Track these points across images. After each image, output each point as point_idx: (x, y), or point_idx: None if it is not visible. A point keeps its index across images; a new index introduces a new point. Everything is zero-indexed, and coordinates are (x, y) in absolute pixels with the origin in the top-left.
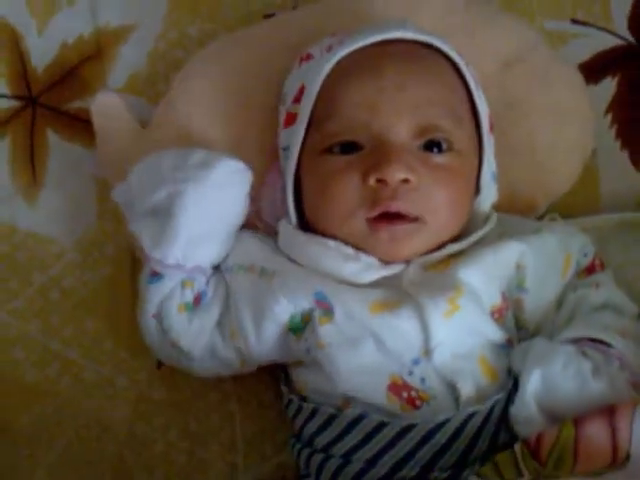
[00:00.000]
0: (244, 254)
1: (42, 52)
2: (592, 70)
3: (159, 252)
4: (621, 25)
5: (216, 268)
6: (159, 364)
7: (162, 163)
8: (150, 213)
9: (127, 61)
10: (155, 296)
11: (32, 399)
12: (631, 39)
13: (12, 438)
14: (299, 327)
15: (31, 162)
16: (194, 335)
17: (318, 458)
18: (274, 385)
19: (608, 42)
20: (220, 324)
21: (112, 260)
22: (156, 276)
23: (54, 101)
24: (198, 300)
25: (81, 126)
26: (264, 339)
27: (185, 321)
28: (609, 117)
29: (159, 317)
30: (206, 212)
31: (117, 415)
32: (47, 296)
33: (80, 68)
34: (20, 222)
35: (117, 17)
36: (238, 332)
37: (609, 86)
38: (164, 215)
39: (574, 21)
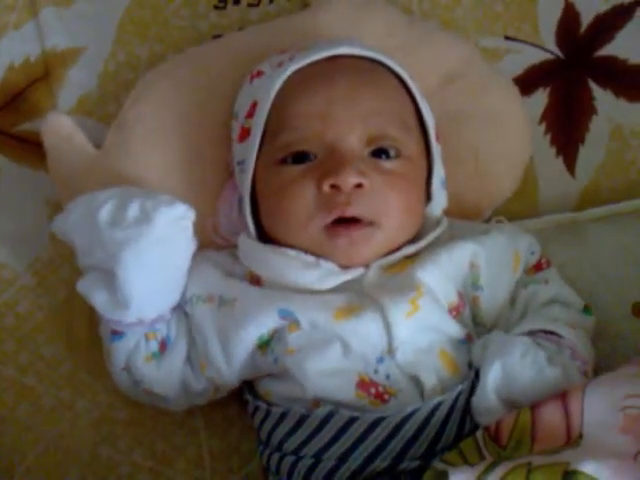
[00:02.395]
0: (200, 284)
1: None
2: (525, 83)
3: (116, 315)
4: (549, 40)
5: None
6: None
7: (99, 216)
8: (94, 268)
9: (76, 83)
10: (121, 353)
11: None
12: (559, 53)
13: None
14: (264, 341)
15: None
16: (165, 378)
17: (289, 461)
18: (238, 398)
19: (539, 57)
20: (189, 359)
21: (67, 282)
22: (117, 334)
23: (2, 124)
24: (164, 346)
25: (30, 148)
26: (235, 365)
27: (154, 369)
28: (543, 126)
29: (128, 370)
30: (152, 269)
31: (79, 439)
32: (1, 322)
33: (28, 91)
34: None
35: (65, 40)
36: (208, 363)
37: (541, 97)
38: (109, 275)
39: (507, 38)
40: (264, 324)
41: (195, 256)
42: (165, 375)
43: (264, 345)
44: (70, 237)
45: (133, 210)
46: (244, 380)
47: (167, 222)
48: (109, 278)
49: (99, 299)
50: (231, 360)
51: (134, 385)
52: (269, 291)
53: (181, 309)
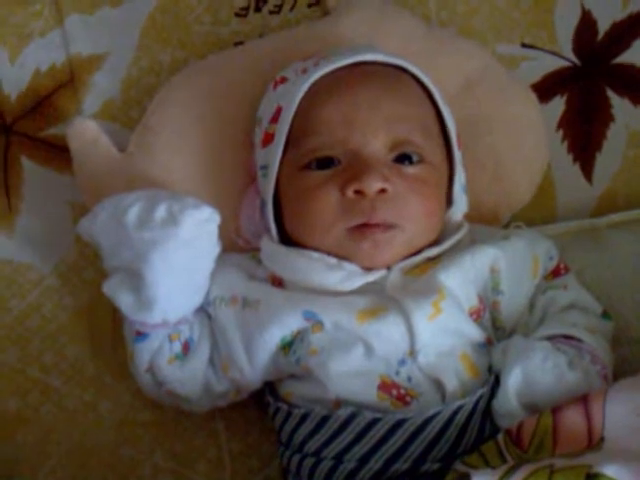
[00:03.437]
0: (224, 285)
1: (15, 80)
2: (542, 90)
3: (141, 316)
4: (566, 48)
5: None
6: None
7: (127, 218)
8: (119, 269)
9: (101, 88)
10: (144, 354)
11: (13, 428)
12: (576, 60)
13: None
14: (288, 343)
15: (5, 189)
16: (188, 380)
17: (309, 462)
18: (258, 400)
19: (555, 64)
20: (211, 361)
21: (91, 284)
22: (141, 335)
23: (28, 129)
24: (187, 348)
25: (56, 153)
26: (257, 365)
27: (177, 371)
28: (560, 133)
29: (152, 371)
30: (178, 270)
31: (101, 440)
32: (26, 323)
33: (54, 96)
34: None
35: (89, 47)
36: (230, 365)
37: (558, 104)
38: (135, 276)
39: (524, 45)
40: (288, 326)
41: (218, 259)
42: (188, 376)
43: (287, 346)
44: (97, 239)
45: (160, 212)
46: (266, 381)
47: (193, 224)
48: (134, 279)
49: (124, 300)
50: (254, 361)
51: (157, 386)
52: (292, 293)
53: (203, 311)
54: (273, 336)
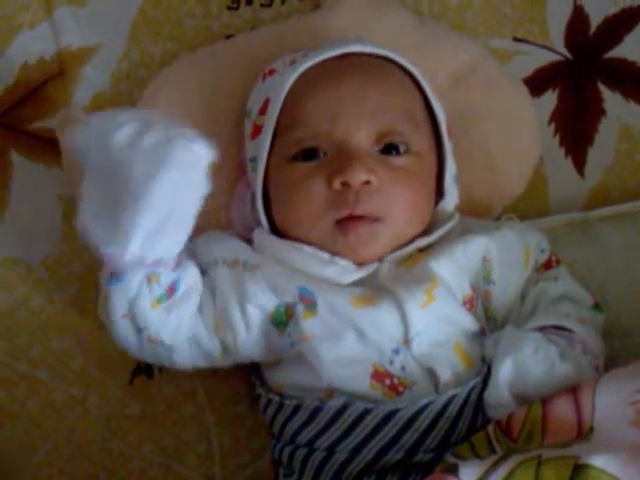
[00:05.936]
0: (228, 250)
1: (3, 73)
2: (534, 84)
3: (115, 248)
4: (558, 42)
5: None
6: (131, 379)
7: (118, 137)
8: (97, 196)
9: (91, 81)
10: (121, 297)
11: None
12: (568, 55)
13: None
14: (282, 320)
15: None
16: (174, 327)
17: (301, 454)
18: (248, 395)
19: (547, 58)
20: (201, 313)
21: (79, 278)
22: (116, 276)
23: (17, 122)
24: (172, 291)
25: (44, 146)
26: (250, 327)
27: (163, 314)
28: (552, 127)
29: (131, 316)
30: (162, 201)
31: (89, 434)
32: (13, 316)
33: (43, 88)
34: None
35: (79, 39)
36: (225, 325)
37: (550, 98)
38: (117, 203)
39: (516, 39)
40: (283, 293)
41: (222, 233)
42: (174, 323)
43: (281, 325)
44: (81, 154)
45: (152, 137)
46: (256, 369)
47: (185, 153)
48: (113, 208)
49: (99, 229)
50: (247, 319)
51: (137, 333)
52: (292, 269)
53: (199, 268)
54: (267, 299)
